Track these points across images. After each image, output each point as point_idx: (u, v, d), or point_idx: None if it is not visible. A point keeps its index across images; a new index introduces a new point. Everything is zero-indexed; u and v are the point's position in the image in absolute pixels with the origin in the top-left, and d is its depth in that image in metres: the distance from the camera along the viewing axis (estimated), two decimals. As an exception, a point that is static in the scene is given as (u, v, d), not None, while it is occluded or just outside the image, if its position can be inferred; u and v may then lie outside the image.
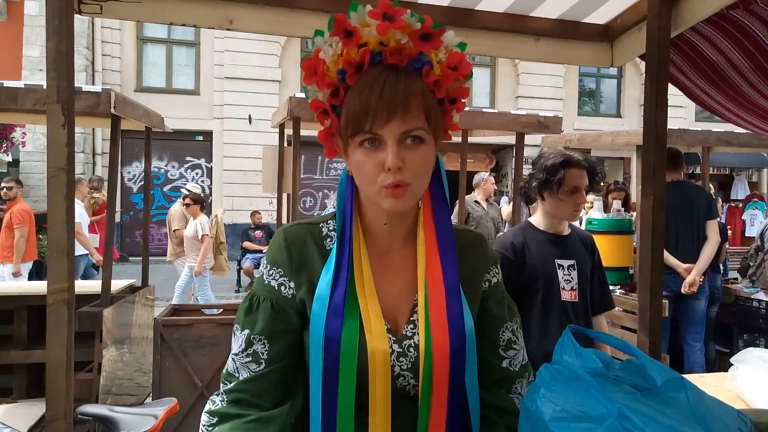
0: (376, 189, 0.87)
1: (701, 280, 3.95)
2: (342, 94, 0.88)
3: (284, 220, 4.94)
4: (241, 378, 0.91)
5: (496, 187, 6.22)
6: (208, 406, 0.93)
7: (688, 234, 4.01)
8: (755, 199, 12.49)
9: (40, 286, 3.76)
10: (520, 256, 2.06)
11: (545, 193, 2.09)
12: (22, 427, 2.46)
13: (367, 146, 0.86)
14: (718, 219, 4.17)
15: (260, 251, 9.18)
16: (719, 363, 4.34)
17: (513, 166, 7.61)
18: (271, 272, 0.95)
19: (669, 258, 3.92)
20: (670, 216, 3.95)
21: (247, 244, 9.49)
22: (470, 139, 4.96)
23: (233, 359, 0.93)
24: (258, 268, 8.49)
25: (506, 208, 8.75)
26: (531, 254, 2.07)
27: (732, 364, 2.00)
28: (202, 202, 6.34)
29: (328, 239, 0.97)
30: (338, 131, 0.91)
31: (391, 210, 0.88)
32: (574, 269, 2.11)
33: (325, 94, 0.90)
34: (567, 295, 2.07)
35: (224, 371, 0.95)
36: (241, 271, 9.28)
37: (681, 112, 13.95)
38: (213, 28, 1.72)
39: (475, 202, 5.93)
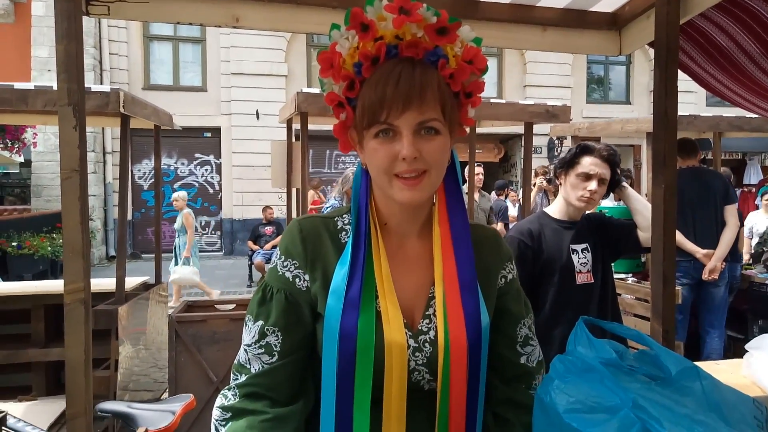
0: (389, 178, 0.87)
1: (722, 266, 3.90)
2: (358, 86, 0.89)
3: (294, 215, 4.95)
4: (253, 370, 0.91)
5: (482, 178, 6.25)
6: (220, 400, 0.92)
7: (706, 220, 3.96)
8: (768, 184, 12.33)
9: (56, 285, 3.81)
10: (537, 242, 2.12)
11: (561, 174, 2.19)
12: (43, 425, 2.50)
13: (382, 137, 0.87)
14: (737, 203, 4.12)
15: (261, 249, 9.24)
16: (734, 349, 4.31)
17: (522, 156, 7.55)
18: (285, 263, 0.95)
19: (686, 243, 3.88)
20: (687, 202, 3.90)
21: (251, 244, 9.53)
22: (478, 130, 4.94)
23: (245, 350, 0.93)
24: (269, 263, 8.53)
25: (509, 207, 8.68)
26: (547, 240, 2.13)
27: (747, 351, 1.99)
28: None
29: (343, 233, 0.97)
30: (353, 124, 0.92)
31: (405, 202, 0.88)
32: (588, 252, 2.16)
33: (341, 86, 0.90)
34: (583, 278, 2.12)
35: (235, 362, 0.95)
36: (253, 266, 9.34)
37: (691, 98, 13.77)
38: (219, 26, 1.73)
39: (465, 193, 5.95)
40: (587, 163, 2.11)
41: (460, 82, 0.90)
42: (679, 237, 3.87)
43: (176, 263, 7.56)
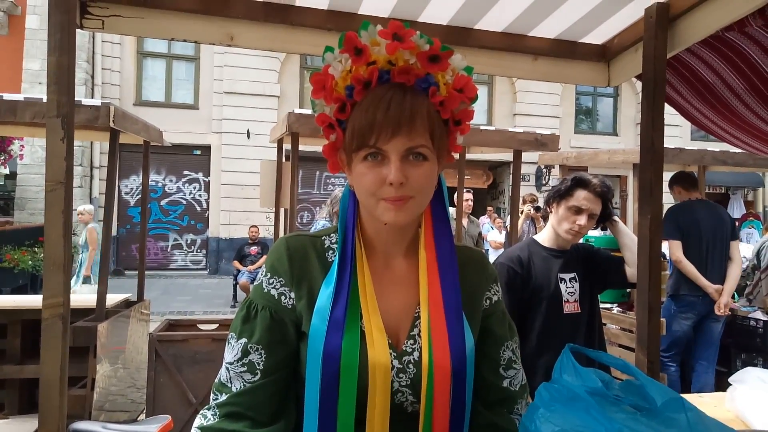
0: (375, 201, 0.88)
1: (732, 301, 3.96)
2: (349, 109, 0.90)
3: (281, 235, 4.93)
4: (234, 389, 0.90)
5: (471, 204, 6.26)
6: (199, 421, 0.90)
7: (717, 254, 4.00)
8: (751, 218, 12.52)
9: (34, 300, 3.74)
10: (526, 269, 2.11)
11: (553, 204, 2.18)
12: (13, 444, 2.42)
13: (371, 160, 0.87)
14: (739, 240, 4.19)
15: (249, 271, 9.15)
16: (717, 383, 4.32)
17: (510, 183, 7.59)
18: (271, 281, 0.94)
19: (700, 278, 3.92)
20: (702, 235, 3.96)
21: (236, 263, 9.44)
22: (467, 156, 4.98)
23: (227, 368, 0.92)
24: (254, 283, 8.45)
25: (493, 234, 8.70)
26: (536, 268, 2.12)
27: (730, 384, 1.99)
28: None
29: (330, 252, 0.96)
30: (343, 146, 0.93)
31: (391, 223, 0.89)
32: (576, 281, 2.16)
33: (332, 108, 0.91)
34: (570, 308, 2.12)
35: (216, 381, 0.93)
36: (237, 286, 9.24)
37: (677, 131, 14.06)
38: (214, 44, 1.74)
39: (453, 218, 5.98)
40: (580, 197, 2.11)
41: (450, 109, 0.91)
42: (694, 271, 3.93)
43: (76, 281, 6.87)
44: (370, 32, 0.88)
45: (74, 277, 6.97)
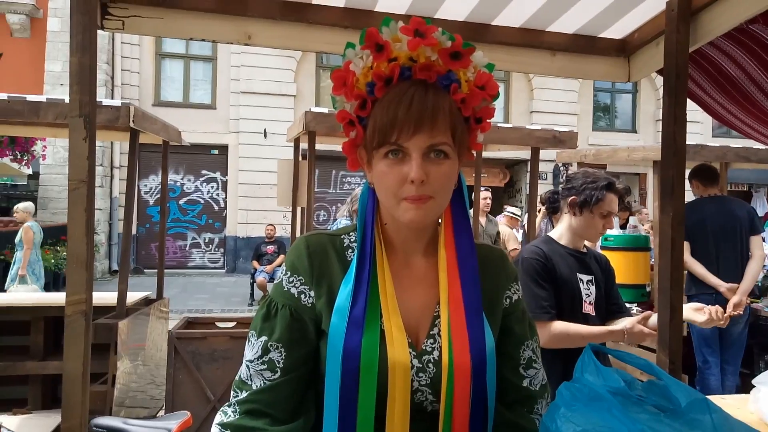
0: (396, 200, 0.87)
1: (747, 301, 3.80)
2: (369, 106, 0.90)
3: (298, 234, 4.95)
4: (254, 387, 0.90)
5: (489, 203, 6.20)
6: (220, 417, 0.91)
7: (730, 251, 3.84)
8: (775, 216, 12.26)
9: (57, 298, 3.80)
10: (551, 263, 2.08)
11: (584, 210, 2.11)
12: (37, 438, 2.47)
13: (392, 158, 0.87)
14: (762, 234, 4.01)
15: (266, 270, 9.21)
16: (740, 384, 4.24)
17: (527, 181, 7.52)
18: (291, 279, 0.94)
19: (709, 277, 3.78)
20: (710, 233, 3.82)
21: (255, 263, 9.52)
22: (484, 154, 4.95)
23: (247, 366, 0.92)
24: (272, 282, 8.53)
25: (505, 229, 8.59)
26: (558, 264, 2.09)
27: (754, 386, 1.95)
28: None
29: (350, 250, 0.96)
30: (363, 143, 0.92)
31: (411, 222, 0.88)
32: (592, 284, 2.14)
33: (353, 105, 0.91)
34: (587, 309, 2.09)
35: (236, 378, 0.94)
36: (254, 284, 9.31)
37: (698, 128, 13.82)
38: (232, 43, 1.75)
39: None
40: (610, 201, 2.08)
41: (472, 107, 0.91)
42: (702, 270, 3.80)
43: (12, 280, 6.72)
44: (391, 28, 0.88)
45: (9, 277, 6.85)
